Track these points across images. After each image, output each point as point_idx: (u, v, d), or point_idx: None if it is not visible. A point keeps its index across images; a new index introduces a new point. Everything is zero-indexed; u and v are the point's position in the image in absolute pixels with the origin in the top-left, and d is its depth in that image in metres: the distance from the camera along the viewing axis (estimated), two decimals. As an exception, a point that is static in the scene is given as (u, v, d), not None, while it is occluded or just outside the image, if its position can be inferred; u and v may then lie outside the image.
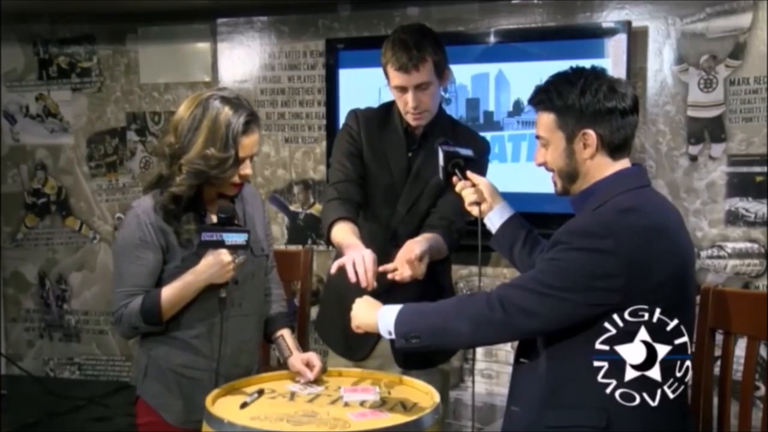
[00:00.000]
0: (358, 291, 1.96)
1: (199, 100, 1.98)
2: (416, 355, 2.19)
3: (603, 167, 1.76)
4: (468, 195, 2.01)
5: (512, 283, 1.78)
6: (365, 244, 2.10)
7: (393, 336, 1.81)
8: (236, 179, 2.00)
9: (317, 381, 2.09)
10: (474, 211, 2.01)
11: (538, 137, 1.83)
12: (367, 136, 2.32)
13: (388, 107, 2.37)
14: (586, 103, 1.72)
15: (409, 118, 2.26)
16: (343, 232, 2.12)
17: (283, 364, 2.18)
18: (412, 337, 1.78)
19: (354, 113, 2.38)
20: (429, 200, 2.29)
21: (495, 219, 2.04)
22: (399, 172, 2.30)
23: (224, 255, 1.95)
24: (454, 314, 1.76)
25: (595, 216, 1.71)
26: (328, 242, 2.20)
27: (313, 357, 2.12)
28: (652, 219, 1.69)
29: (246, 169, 2.00)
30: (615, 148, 1.75)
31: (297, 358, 2.13)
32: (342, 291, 2.20)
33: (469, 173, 2.03)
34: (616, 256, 1.62)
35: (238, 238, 1.96)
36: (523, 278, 1.76)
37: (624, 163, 1.78)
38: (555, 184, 1.84)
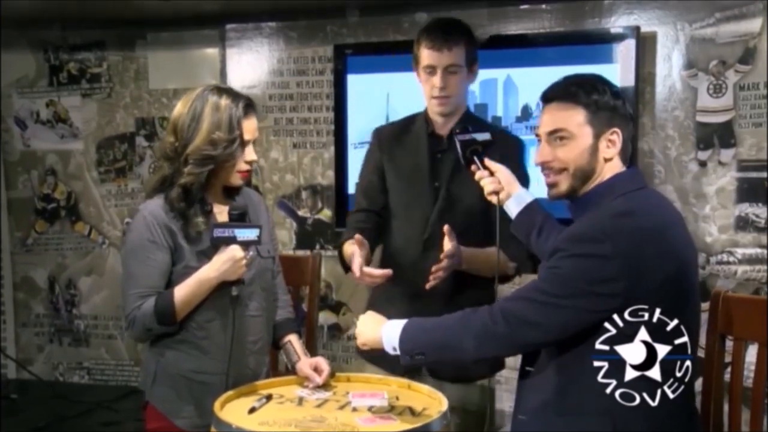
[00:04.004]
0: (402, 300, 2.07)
1: (194, 95, 2.03)
2: (450, 369, 2.19)
3: (612, 170, 1.76)
4: (486, 185, 2.01)
5: (514, 295, 1.77)
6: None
7: (398, 352, 1.81)
8: (243, 166, 2.04)
9: (325, 386, 2.09)
10: (493, 200, 2.00)
11: (554, 131, 1.77)
12: (387, 150, 2.37)
13: (413, 117, 2.41)
14: (619, 104, 1.75)
15: (434, 105, 2.27)
16: (347, 247, 2.26)
17: (291, 370, 2.18)
18: (416, 354, 1.78)
19: (376, 130, 2.46)
20: (468, 201, 2.25)
21: (512, 207, 2.02)
22: (422, 176, 2.30)
23: (236, 251, 1.96)
24: (458, 330, 1.75)
25: (591, 221, 1.70)
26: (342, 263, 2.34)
27: (321, 361, 2.13)
28: (649, 221, 1.69)
29: (251, 154, 2.05)
30: (625, 152, 1.77)
31: (305, 363, 2.13)
32: (385, 306, 2.26)
33: (486, 161, 2.03)
34: (615, 261, 1.62)
35: (250, 234, 1.98)
36: (525, 289, 1.75)
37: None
38: (555, 184, 1.79)
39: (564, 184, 1.78)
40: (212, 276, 1.97)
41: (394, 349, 1.81)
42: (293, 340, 2.21)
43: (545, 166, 1.80)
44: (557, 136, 1.77)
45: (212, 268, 1.97)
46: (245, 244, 1.98)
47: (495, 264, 2.08)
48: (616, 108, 1.75)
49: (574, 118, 1.75)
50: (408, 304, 2.23)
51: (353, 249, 2.13)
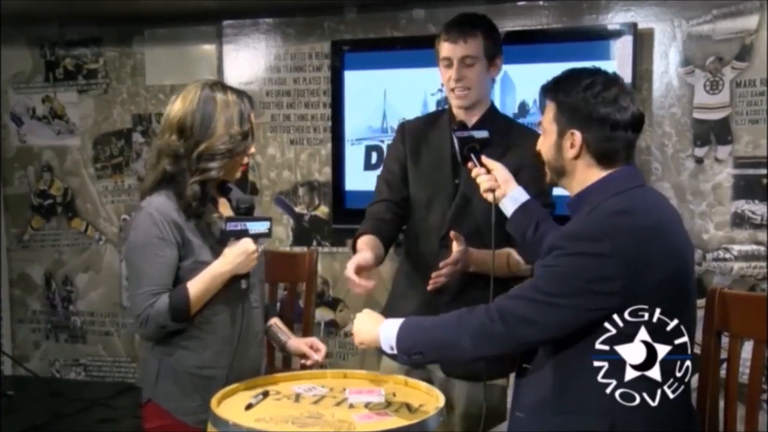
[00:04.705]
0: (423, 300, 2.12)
1: (196, 93, 2.03)
2: (460, 367, 2.19)
3: (589, 171, 1.75)
4: (483, 182, 2.02)
5: (511, 293, 1.77)
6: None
7: (395, 351, 1.81)
8: (245, 159, 2.09)
9: (322, 382, 2.09)
10: (489, 197, 2.01)
11: (539, 124, 1.86)
12: (410, 145, 2.38)
13: (440, 112, 2.43)
14: (582, 105, 1.72)
15: (453, 97, 2.28)
16: (360, 242, 2.24)
17: (280, 350, 2.20)
18: (414, 354, 1.78)
19: (401, 125, 2.48)
20: (485, 201, 2.22)
21: (508, 205, 2.03)
22: (442, 173, 2.31)
23: (249, 244, 1.99)
24: (456, 329, 1.75)
25: (589, 220, 1.70)
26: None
27: (316, 340, 2.17)
28: (647, 219, 1.69)
29: (252, 147, 2.11)
30: (600, 156, 1.74)
31: (298, 342, 2.18)
32: (404, 299, 2.31)
33: (483, 159, 2.04)
34: (613, 259, 1.62)
35: (261, 227, 2.02)
36: (522, 288, 1.76)
37: (615, 168, 1.76)
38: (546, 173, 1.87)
39: (548, 173, 1.85)
40: (226, 270, 1.98)
41: (392, 348, 1.81)
42: (277, 323, 2.24)
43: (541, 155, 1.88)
44: (540, 127, 1.85)
45: (225, 261, 1.98)
46: (255, 237, 2.00)
47: (508, 265, 2.16)
48: (578, 109, 1.72)
49: (548, 114, 1.80)
50: (426, 299, 2.23)
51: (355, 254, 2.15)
